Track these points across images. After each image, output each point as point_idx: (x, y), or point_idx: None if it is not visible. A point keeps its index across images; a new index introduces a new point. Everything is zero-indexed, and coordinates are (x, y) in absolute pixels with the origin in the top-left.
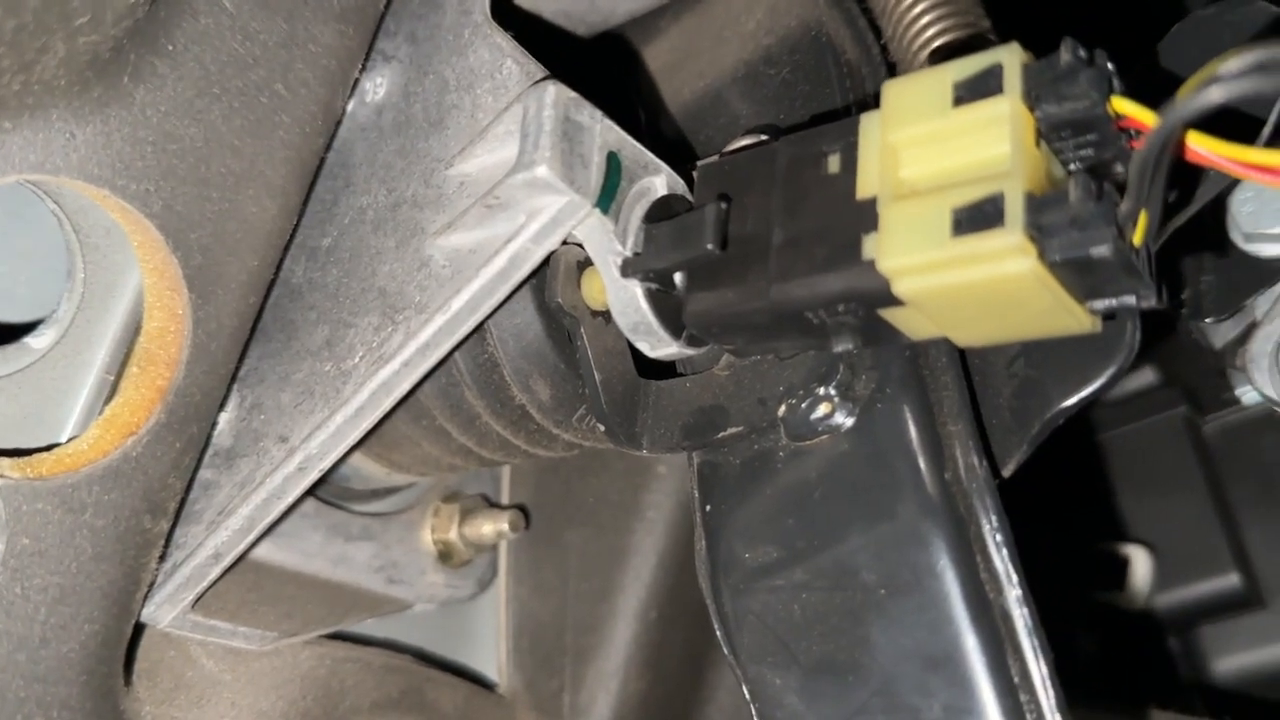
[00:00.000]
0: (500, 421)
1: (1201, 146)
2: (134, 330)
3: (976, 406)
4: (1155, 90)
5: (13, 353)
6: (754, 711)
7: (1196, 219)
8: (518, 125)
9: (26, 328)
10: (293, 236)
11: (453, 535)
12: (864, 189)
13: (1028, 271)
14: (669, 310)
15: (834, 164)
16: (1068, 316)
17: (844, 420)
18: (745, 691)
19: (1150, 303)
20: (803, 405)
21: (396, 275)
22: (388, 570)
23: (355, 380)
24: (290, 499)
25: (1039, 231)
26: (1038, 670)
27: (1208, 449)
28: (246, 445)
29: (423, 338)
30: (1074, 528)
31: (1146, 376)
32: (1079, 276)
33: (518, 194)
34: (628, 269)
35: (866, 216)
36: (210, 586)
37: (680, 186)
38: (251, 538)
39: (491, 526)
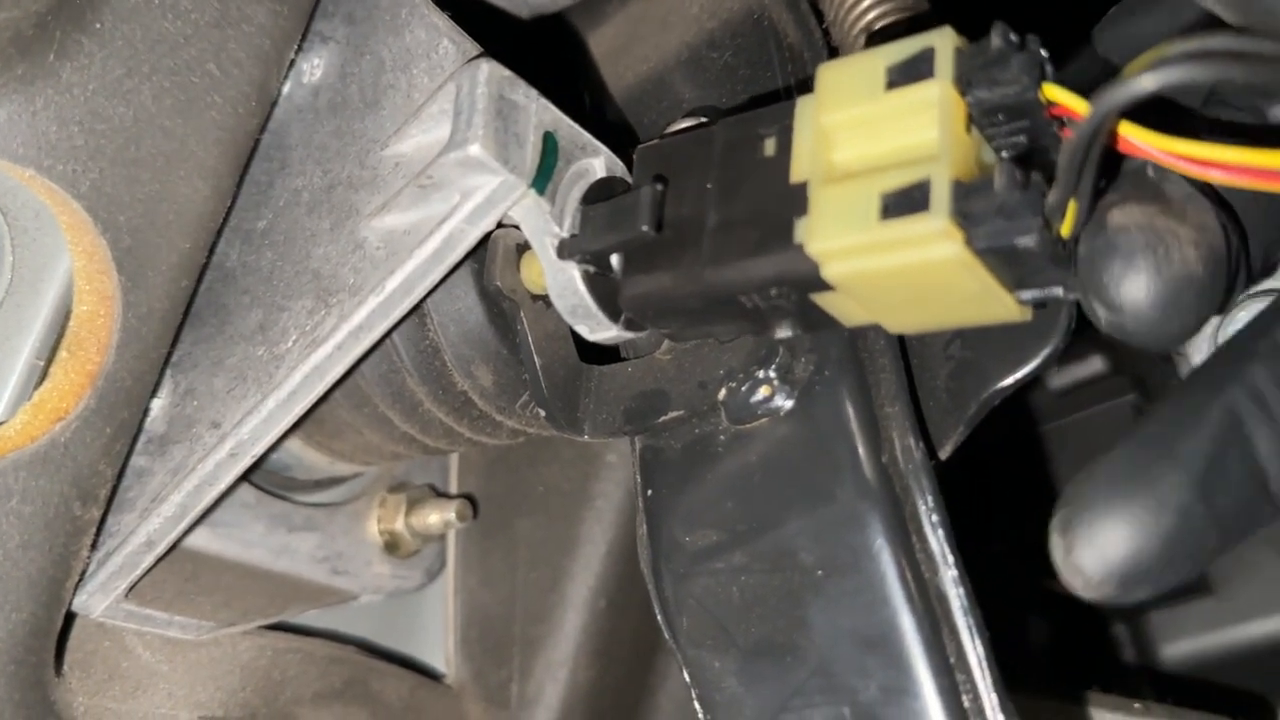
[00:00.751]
0: (443, 409)
1: (1134, 137)
2: (64, 315)
3: (914, 388)
4: (1094, 80)
5: None
6: (694, 695)
7: None
8: (452, 104)
9: None
10: (226, 219)
11: (399, 526)
12: (798, 172)
13: (953, 257)
14: (607, 293)
15: (770, 147)
16: (997, 305)
17: (784, 403)
18: (685, 675)
19: (1076, 295)
20: (743, 388)
21: (331, 258)
22: (332, 561)
23: (288, 364)
24: (223, 485)
25: (965, 218)
26: (973, 649)
27: None
28: (180, 431)
29: (356, 320)
30: (1025, 516)
31: (1094, 365)
32: (1006, 266)
33: (451, 173)
34: (564, 250)
35: (799, 200)
36: (144, 575)
37: (620, 169)
38: (184, 525)
39: (439, 516)
